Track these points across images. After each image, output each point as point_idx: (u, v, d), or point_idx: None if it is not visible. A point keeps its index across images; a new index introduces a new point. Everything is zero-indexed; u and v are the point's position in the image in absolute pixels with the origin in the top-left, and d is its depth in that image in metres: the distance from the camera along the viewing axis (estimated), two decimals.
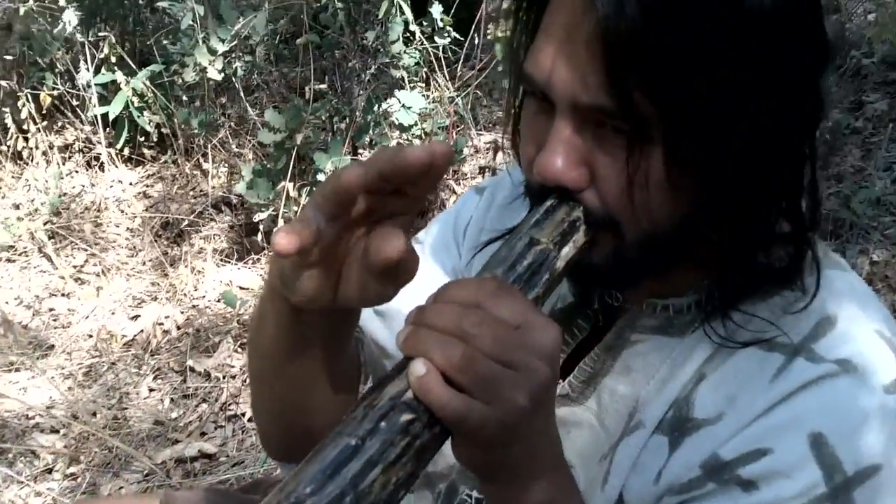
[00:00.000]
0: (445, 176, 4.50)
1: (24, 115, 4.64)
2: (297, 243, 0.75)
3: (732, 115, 0.83)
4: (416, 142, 4.33)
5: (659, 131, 0.85)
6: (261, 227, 4.09)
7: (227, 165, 4.78)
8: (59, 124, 5.04)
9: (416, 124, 4.19)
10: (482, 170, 4.43)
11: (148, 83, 4.50)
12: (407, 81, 4.35)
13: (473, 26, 4.60)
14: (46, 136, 4.78)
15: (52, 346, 3.80)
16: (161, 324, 3.88)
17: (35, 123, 4.67)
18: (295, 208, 3.99)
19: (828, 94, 0.94)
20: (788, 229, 0.96)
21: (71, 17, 4.28)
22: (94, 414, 3.43)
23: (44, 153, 4.78)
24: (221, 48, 3.85)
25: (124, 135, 4.69)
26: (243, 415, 3.33)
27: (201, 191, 4.71)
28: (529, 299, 0.84)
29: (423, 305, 0.81)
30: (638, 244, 0.92)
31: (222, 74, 4.05)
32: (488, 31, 4.55)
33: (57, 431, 3.33)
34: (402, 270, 0.80)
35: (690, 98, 0.82)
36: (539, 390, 0.78)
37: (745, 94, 0.83)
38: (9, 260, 4.35)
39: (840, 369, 0.92)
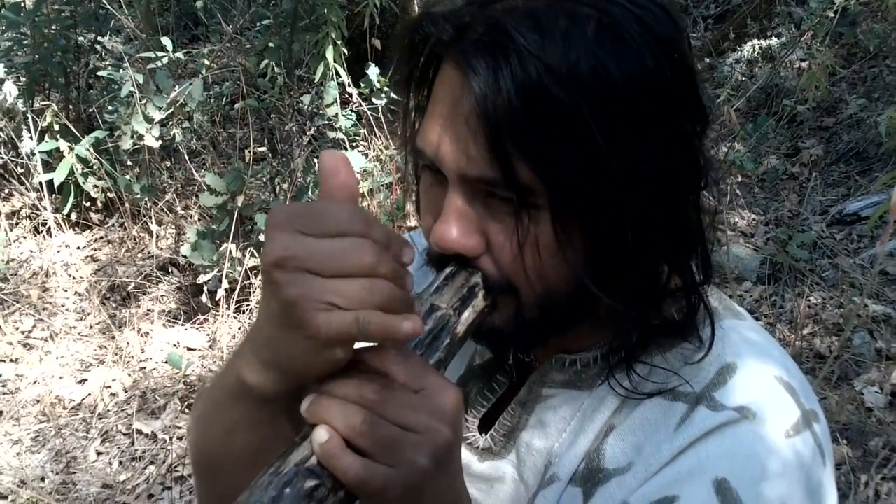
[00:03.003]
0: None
1: None
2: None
3: (612, 178, 0.85)
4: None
5: (544, 198, 0.86)
6: (205, 287, 4.14)
7: (174, 227, 4.83)
8: (5, 192, 5.09)
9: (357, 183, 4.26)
10: None
11: (91, 150, 4.57)
12: (347, 142, 4.43)
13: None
14: None
15: (0, 413, 3.82)
16: (108, 387, 3.91)
17: None
18: (239, 268, 4.05)
19: (709, 153, 0.95)
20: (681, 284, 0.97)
21: (11, 88, 4.32)
22: (43, 479, 3.44)
23: None
24: (158, 116, 3.90)
25: (70, 200, 4.75)
26: (190, 476, 3.36)
27: (149, 253, 4.76)
28: (430, 364, 0.84)
29: None
30: (536, 306, 0.93)
31: (160, 141, 4.11)
32: None
33: (5, 497, 3.34)
34: None
35: (570, 165, 0.84)
36: (441, 451, 0.78)
37: (623, 158, 0.84)
38: None
39: (740, 416, 0.93)
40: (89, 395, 3.88)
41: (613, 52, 0.84)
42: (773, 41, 6.10)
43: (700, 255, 0.98)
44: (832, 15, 5.19)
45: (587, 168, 0.84)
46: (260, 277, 4.14)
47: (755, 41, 6.18)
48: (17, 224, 4.98)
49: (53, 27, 4.93)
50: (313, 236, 0.74)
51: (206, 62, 4.31)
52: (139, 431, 3.63)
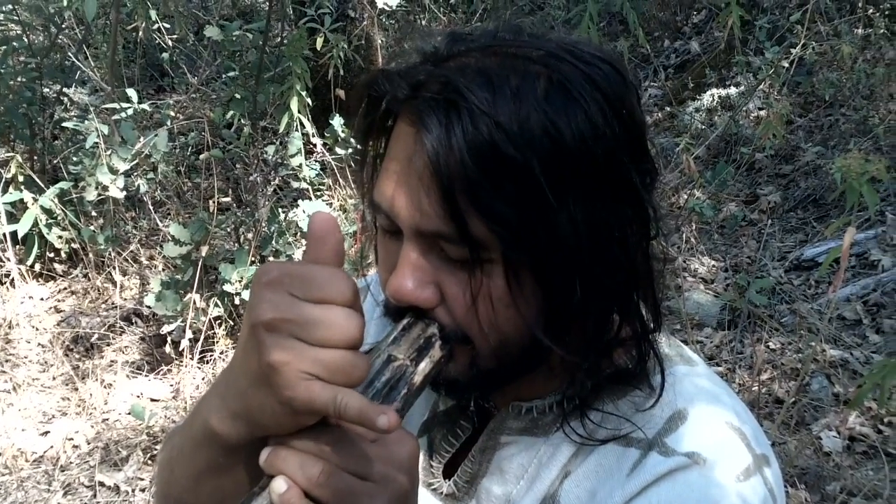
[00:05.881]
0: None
1: None
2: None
3: (563, 232, 0.86)
4: None
5: (497, 251, 0.87)
6: (169, 338, 4.12)
7: (138, 277, 4.82)
8: None
9: None
10: None
11: (56, 200, 4.56)
12: (311, 191, 4.45)
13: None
14: None
15: None
16: (71, 439, 3.86)
17: None
18: (203, 318, 4.04)
19: (658, 203, 0.97)
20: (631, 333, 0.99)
21: None
22: None
23: None
24: (123, 167, 3.90)
25: (34, 251, 4.73)
26: None
27: (112, 303, 4.74)
28: None
29: None
30: (491, 356, 0.94)
31: (124, 192, 4.11)
32: None
33: None
34: None
35: (521, 220, 0.85)
36: (397, 500, 0.79)
37: (573, 213, 0.86)
38: None
39: (691, 461, 0.95)
40: (52, 447, 3.83)
41: (563, 109, 0.86)
42: (732, 90, 6.21)
43: (651, 304, 1.00)
44: (788, 65, 5.30)
45: (538, 222, 0.86)
46: (224, 327, 4.14)
47: (714, 90, 6.29)
48: None
49: (19, 79, 4.94)
50: (304, 301, 0.74)
51: (172, 113, 4.34)
52: (102, 484, 3.59)
